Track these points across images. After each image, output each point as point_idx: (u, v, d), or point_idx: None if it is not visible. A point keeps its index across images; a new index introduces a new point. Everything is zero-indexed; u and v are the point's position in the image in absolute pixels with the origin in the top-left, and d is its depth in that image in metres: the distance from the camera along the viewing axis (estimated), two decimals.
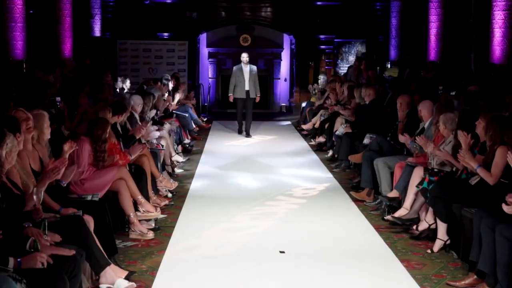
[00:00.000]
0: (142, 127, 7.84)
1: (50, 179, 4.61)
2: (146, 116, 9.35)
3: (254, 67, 14.50)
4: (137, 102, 8.83)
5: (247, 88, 14.07)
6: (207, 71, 21.93)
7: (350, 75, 15.62)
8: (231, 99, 14.38)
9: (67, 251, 4.02)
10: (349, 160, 9.81)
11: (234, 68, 14.46)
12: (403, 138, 7.49)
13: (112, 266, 4.91)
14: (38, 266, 3.73)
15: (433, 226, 6.16)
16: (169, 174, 9.05)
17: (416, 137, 6.86)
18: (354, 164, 9.53)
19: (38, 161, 5.12)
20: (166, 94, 12.73)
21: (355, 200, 8.01)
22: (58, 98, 8.89)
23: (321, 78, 16.18)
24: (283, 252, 5.96)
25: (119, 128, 7.49)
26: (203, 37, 21.55)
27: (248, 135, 14.10)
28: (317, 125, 12.90)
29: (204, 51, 21.85)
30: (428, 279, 5.27)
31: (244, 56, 14.25)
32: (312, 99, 15.59)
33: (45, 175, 4.60)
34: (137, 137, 7.36)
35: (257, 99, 14.38)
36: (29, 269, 3.71)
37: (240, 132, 14.49)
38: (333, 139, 10.79)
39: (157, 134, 8.87)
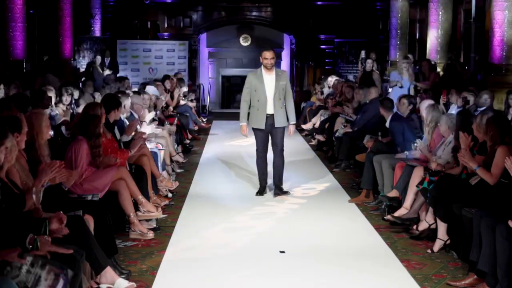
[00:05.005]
0: (133, 126, 7.62)
1: (47, 176, 4.54)
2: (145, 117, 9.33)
3: (285, 73, 8.33)
4: (136, 102, 8.81)
5: (269, 111, 8.03)
6: (207, 71, 21.96)
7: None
8: (243, 131, 8.29)
9: (65, 250, 4.00)
10: (349, 160, 9.82)
11: (249, 76, 8.20)
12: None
13: (108, 268, 4.88)
14: None
15: (433, 226, 6.16)
16: (169, 174, 9.04)
17: (417, 141, 6.87)
18: (354, 164, 9.53)
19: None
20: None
21: None
22: None
23: (323, 79, 16.19)
24: (283, 252, 5.96)
25: (117, 132, 7.41)
26: (203, 37, 21.57)
27: (279, 190, 8.24)
28: (317, 125, 12.92)
29: (204, 51, 21.87)
30: (428, 279, 5.26)
31: (268, 57, 7.97)
32: (312, 99, 15.61)
33: (42, 171, 4.54)
34: (129, 135, 7.30)
35: (291, 131, 8.33)
36: None
37: (262, 192, 8.28)
38: (333, 139, 10.79)
39: (148, 129, 8.19)
